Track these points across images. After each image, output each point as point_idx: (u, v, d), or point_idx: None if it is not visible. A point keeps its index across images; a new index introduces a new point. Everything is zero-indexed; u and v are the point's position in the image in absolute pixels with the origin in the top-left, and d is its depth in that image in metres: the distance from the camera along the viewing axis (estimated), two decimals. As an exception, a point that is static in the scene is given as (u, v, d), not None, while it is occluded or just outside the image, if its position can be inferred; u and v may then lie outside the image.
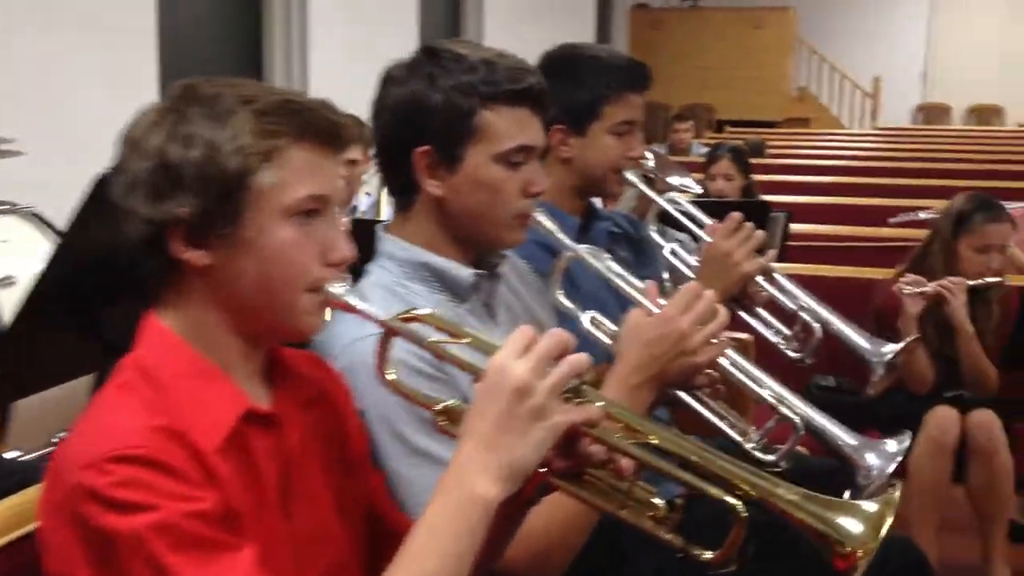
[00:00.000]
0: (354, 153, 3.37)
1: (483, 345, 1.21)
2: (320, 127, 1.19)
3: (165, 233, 1.16)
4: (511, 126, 1.61)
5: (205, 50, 5.92)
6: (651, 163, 3.20)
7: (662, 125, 11.47)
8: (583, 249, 1.73)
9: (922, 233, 3.71)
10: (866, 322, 3.35)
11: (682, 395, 1.66)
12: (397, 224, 1.69)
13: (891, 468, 1.69)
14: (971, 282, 3.26)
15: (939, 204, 3.93)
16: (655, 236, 2.24)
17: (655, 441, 1.20)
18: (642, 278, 2.19)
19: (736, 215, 2.13)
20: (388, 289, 1.62)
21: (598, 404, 1.17)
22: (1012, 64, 14.28)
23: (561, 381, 1.13)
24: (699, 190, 3.83)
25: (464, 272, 1.65)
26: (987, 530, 3.21)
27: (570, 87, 2.14)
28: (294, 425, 1.26)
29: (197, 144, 1.14)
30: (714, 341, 1.61)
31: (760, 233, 2.13)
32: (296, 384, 1.30)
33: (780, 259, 4.30)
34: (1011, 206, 3.64)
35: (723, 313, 1.62)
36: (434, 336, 1.23)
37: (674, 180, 3.34)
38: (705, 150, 6.35)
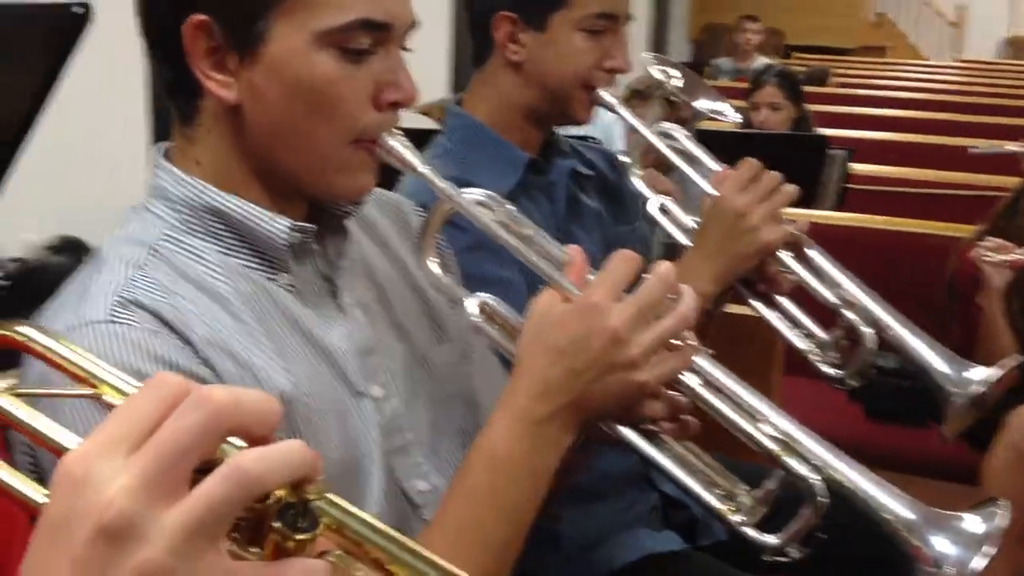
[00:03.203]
0: None
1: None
2: None
3: None
4: None
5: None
6: (678, 82, 2.51)
7: (724, 48, 10.64)
8: (471, 195, 1.07)
9: (1012, 181, 2.99)
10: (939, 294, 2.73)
11: (626, 433, 1.02)
12: (179, 146, 1.04)
13: (977, 563, 1.00)
14: (1073, 250, 2.55)
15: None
16: (638, 185, 1.57)
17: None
18: (618, 240, 1.54)
19: (753, 161, 1.47)
20: (147, 247, 0.99)
21: (331, 555, 0.55)
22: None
23: (204, 515, 0.50)
24: (737, 119, 3.15)
25: (276, 225, 1.01)
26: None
27: None
28: None
29: None
30: (676, 343, 0.99)
31: (791, 188, 1.46)
32: None
33: (838, 206, 3.62)
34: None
35: (688, 298, 1.00)
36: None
37: (703, 105, 2.65)
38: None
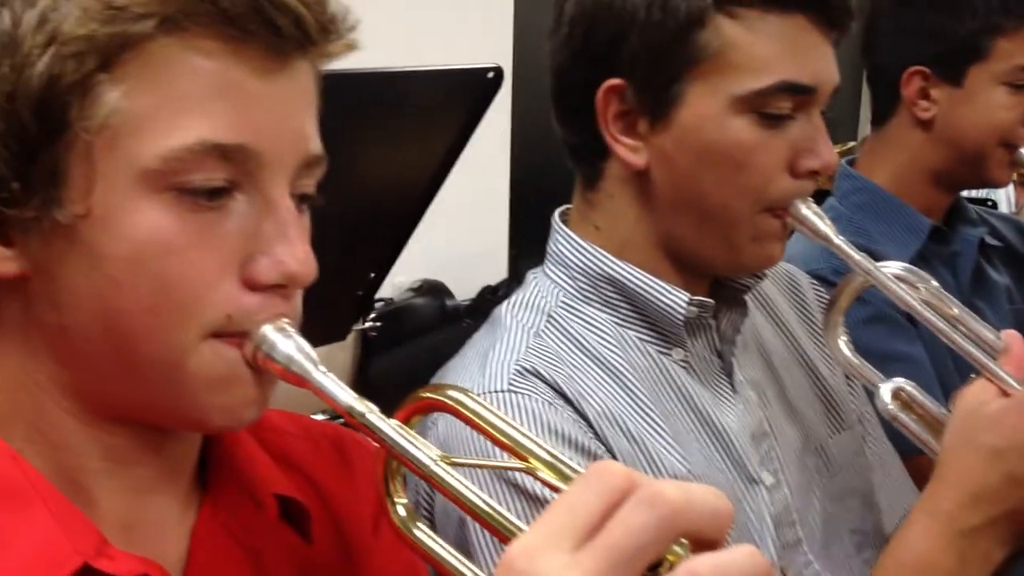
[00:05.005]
0: None
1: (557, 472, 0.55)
2: None
3: None
4: (770, 47, 0.90)
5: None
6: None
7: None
8: (889, 269, 0.97)
9: None
10: None
11: None
12: (579, 210, 1.02)
13: None
14: None
15: None
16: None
17: None
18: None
19: None
20: (544, 314, 0.97)
21: None
22: None
23: None
24: None
25: (674, 299, 0.96)
26: None
27: (940, 10, 1.39)
28: None
29: None
30: None
31: None
32: (239, 499, 0.69)
33: None
34: None
35: None
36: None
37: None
38: None
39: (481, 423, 0.59)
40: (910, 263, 1.36)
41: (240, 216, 0.60)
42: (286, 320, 0.61)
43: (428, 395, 0.61)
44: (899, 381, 0.96)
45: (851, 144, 2.58)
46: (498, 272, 3.24)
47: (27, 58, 0.55)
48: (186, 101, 0.57)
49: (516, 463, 0.57)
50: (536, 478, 0.56)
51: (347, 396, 0.59)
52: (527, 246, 3.14)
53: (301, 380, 0.60)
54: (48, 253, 0.58)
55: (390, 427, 0.58)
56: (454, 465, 0.57)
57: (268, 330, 0.60)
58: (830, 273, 1.27)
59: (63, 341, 0.60)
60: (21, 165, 0.56)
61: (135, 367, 0.60)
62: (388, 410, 0.62)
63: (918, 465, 1.11)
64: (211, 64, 0.57)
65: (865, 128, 3.77)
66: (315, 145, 0.63)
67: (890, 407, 0.96)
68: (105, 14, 0.55)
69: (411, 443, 0.57)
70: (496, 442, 0.58)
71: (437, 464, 0.57)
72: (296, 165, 0.61)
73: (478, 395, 0.89)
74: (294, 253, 0.60)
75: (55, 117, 0.56)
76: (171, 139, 0.57)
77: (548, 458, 0.56)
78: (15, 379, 0.62)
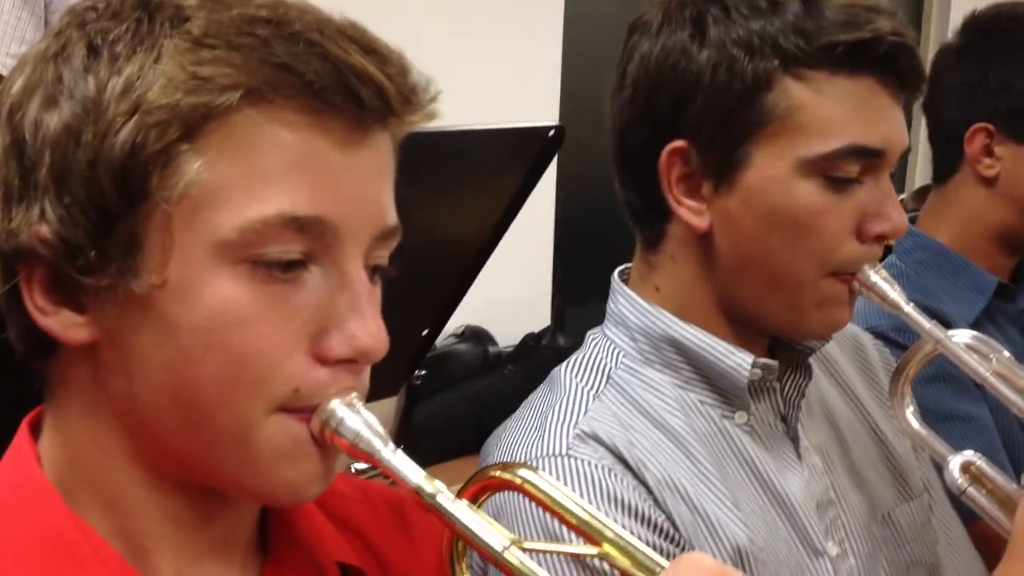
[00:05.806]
0: None
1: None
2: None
3: None
4: (838, 110, 0.88)
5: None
6: None
7: None
8: (960, 338, 0.95)
9: None
10: None
11: None
12: (640, 271, 1.01)
13: None
14: None
15: None
16: None
17: None
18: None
19: None
20: (604, 375, 0.95)
21: None
22: None
23: None
24: None
25: (737, 361, 0.94)
26: None
27: (1004, 66, 1.38)
28: None
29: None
30: None
31: None
32: (301, 567, 0.68)
33: None
34: None
35: None
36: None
37: None
38: None
39: (552, 504, 0.58)
40: (976, 321, 1.34)
41: (314, 289, 0.59)
42: (355, 395, 0.60)
43: (498, 474, 0.60)
44: (968, 455, 0.93)
45: (900, 197, 2.55)
46: (541, 319, 3.21)
47: (110, 126, 0.55)
48: (267, 173, 0.56)
49: (589, 549, 0.56)
50: (611, 564, 0.55)
51: (416, 476, 0.58)
52: (571, 294, 3.12)
53: (369, 457, 0.59)
54: (121, 321, 0.58)
55: (460, 510, 0.57)
56: (525, 550, 0.55)
57: (336, 405, 0.59)
58: (891, 331, 1.25)
59: (131, 409, 0.60)
60: (99, 234, 0.56)
61: (202, 437, 0.59)
62: (429, 456, 0.61)
63: (981, 530, 1.08)
64: (293, 136, 0.57)
65: (913, 181, 3.73)
66: (391, 216, 0.62)
67: (959, 481, 0.93)
68: (190, 84, 0.54)
69: (481, 527, 0.56)
70: (568, 524, 0.57)
71: (508, 550, 0.55)
72: (372, 237, 0.60)
73: (537, 458, 0.88)
74: (366, 327, 0.59)
75: (135, 186, 0.55)
76: (250, 211, 0.56)
77: (622, 543, 0.55)
78: (80, 444, 0.62)
